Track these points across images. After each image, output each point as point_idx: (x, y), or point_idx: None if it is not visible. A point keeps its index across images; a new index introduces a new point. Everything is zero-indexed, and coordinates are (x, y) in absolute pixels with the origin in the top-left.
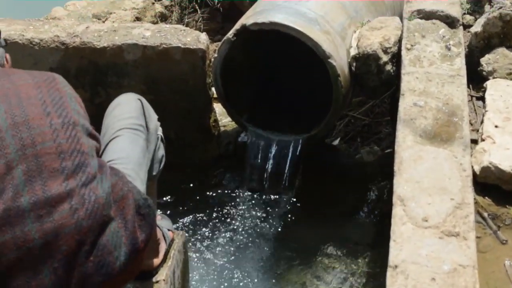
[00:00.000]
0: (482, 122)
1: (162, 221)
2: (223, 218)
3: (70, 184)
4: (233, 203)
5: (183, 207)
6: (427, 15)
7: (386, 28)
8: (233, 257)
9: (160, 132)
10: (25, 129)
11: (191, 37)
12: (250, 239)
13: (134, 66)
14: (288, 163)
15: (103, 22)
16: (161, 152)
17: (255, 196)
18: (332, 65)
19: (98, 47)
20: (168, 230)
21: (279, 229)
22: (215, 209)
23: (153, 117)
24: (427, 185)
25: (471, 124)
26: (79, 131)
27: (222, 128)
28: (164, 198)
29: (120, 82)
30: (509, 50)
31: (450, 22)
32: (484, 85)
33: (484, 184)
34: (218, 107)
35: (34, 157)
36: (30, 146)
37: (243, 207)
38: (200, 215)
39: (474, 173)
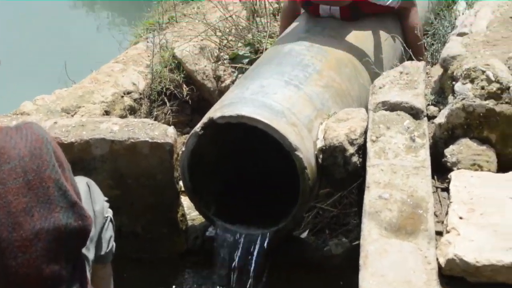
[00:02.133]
0: (447, 213)
1: None
2: None
3: None
4: None
5: None
6: (392, 107)
7: (352, 119)
8: None
9: (108, 213)
10: (11, 257)
11: (159, 131)
12: None
13: (102, 160)
14: (255, 257)
15: (72, 116)
16: (109, 233)
17: None
18: (299, 157)
19: (65, 142)
20: None
21: None
22: None
23: (99, 199)
24: (392, 279)
25: (436, 216)
26: (61, 243)
27: (190, 222)
28: None
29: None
30: (472, 141)
31: (415, 113)
32: (449, 176)
33: (450, 277)
34: (186, 201)
35: (16, 286)
36: (13, 274)
37: None
38: None
39: (439, 266)
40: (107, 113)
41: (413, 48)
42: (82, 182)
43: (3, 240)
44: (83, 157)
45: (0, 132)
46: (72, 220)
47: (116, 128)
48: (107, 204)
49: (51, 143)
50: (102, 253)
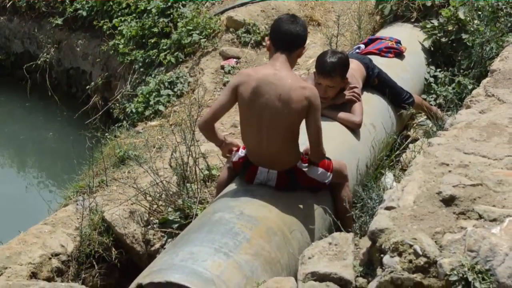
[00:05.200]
0: None
1: None
2: None
3: None
4: None
5: None
6: (321, 277)
7: None
8: None
9: None
10: None
11: None
12: None
13: None
14: None
15: None
16: None
17: None
18: None
19: None
20: None
21: None
22: None
23: None
24: None
25: None
26: None
27: None
28: None
29: None
30: None
31: (343, 284)
32: None
33: None
34: None
35: None
36: None
37: None
38: None
39: None
40: (34, 275)
41: (342, 220)
42: None
43: None
44: None
45: None
46: None
47: None
48: None
49: None
50: None
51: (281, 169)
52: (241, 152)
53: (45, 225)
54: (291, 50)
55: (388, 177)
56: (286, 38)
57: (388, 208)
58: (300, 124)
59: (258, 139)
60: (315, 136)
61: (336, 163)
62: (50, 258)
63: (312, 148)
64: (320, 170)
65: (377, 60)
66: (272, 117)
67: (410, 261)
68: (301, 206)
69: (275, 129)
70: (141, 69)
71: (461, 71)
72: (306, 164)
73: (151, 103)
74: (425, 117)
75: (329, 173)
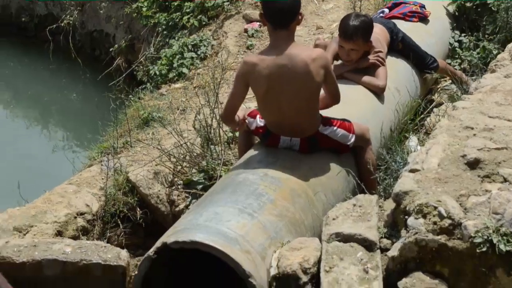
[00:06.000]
0: None
1: None
2: None
3: None
4: None
5: None
6: (345, 238)
7: (305, 248)
8: None
9: None
10: None
11: (111, 254)
12: None
13: (53, 281)
14: None
15: (24, 235)
16: None
17: None
18: (252, 284)
19: (17, 262)
20: None
21: None
22: None
23: None
24: None
25: None
26: None
27: None
28: None
29: None
30: (425, 275)
31: (368, 245)
32: None
33: None
34: None
35: None
36: None
37: None
38: None
39: None
40: (59, 233)
41: (365, 182)
42: None
43: None
44: (36, 276)
45: None
46: None
47: (69, 250)
48: None
49: None
50: None
51: (303, 136)
52: (260, 121)
53: (70, 185)
54: (288, 24)
55: (412, 141)
56: (280, 15)
57: (412, 171)
58: (320, 91)
59: (278, 115)
60: (334, 86)
61: (357, 127)
62: (75, 217)
63: (331, 95)
64: (341, 132)
65: (402, 25)
66: (292, 95)
67: (435, 223)
68: (324, 168)
69: (296, 104)
70: (165, 32)
71: (486, 36)
72: (327, 127)
73: (175, 65)
74: (450, 81)
75: (350, 135)
